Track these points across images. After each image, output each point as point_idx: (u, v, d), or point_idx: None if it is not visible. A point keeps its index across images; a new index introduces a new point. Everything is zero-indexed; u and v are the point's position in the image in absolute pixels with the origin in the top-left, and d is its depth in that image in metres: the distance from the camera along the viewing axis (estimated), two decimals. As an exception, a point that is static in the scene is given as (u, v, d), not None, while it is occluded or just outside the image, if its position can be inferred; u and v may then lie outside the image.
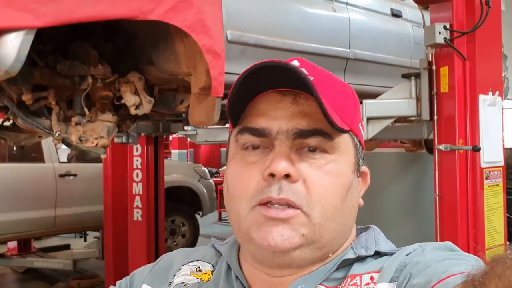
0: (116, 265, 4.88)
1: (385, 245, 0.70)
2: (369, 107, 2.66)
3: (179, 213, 6.59)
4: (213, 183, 7.24)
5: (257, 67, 0.63)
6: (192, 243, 6.63)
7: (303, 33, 2.99)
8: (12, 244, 6.39)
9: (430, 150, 4.56)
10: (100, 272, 5.46)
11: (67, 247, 7.38)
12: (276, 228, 0.63)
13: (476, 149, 2.42)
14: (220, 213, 10.71)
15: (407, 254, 0.65)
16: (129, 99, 2.54)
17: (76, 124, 2.43)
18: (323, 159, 0.65)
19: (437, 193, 2.58)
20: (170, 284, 0.76)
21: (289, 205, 0.63)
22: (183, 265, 0.79)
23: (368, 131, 2.63)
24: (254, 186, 0.65)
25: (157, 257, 4.59)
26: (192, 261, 0.79)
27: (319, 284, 0.66)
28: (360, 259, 0.68)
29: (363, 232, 0.74)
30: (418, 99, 2.70)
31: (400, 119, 3.34)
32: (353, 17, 3.33)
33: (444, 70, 2.55)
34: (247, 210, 0.65)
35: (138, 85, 2.58)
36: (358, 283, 0.64)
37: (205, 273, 0.76)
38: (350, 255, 0.68)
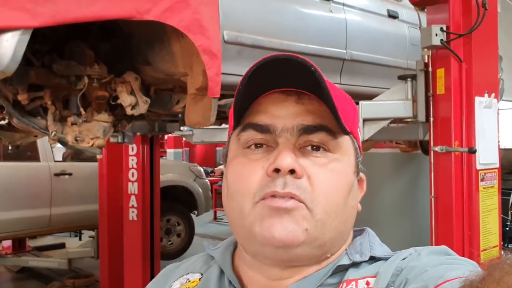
0: (111, 265, 4.86)
1: (380, 249, 0.70)
2: (365, 108, 2.66)
3: (175, 213, 6.58)
4: (209, 183, 7.23)
5: (267, 60, 0.62)
6: (187, 242, 6.62)
7: (300, 33, 2.99)
8: (7, 243, 6.37)
9: (426, 151, 4.58)
10: (95, 272, 5.44)
11: (62, 246, 7.37)
12: (280, 220, 0.62)
13: (472, 151, 2.42)
14: (215, 213, 10.70)
15: (403, 259, 0.64)
16: (125, 99, 2.53)
17: (72, 124, 2.42)
18: (326, 158, 0.66)
19: (433, 194, 2.58)
20: None
21: (294, 198, 0.63)
22: (174, 281, 0.79)
23: (364, 132, 2.64)
24: (257, 182, 0.64)
25: (152, 257, 4.62)
26: (183, 275, 0.79)
27: None
28: (355, 264, 0.67)
29: (357, 236, 0.73)
30: (414, 101, 2.70)
31: (395, 120, 3.34)
32: (350, 18, 3.33)
33: (440, 72, 2.56)
34: (251, 206, 0.64)
35: (134, 85, 2.57)
36: None
37: (193, 282, 0.76)
38: (345, 261, 0.68)
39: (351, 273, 0.66)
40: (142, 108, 2.58)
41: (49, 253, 6.77)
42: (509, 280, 0.41)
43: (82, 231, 7.04)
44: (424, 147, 4.53)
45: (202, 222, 6.82)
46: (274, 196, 0.63)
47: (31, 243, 6.83)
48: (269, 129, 0.65)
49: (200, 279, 0.75)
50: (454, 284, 0.51)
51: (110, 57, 2.63)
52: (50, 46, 2.42)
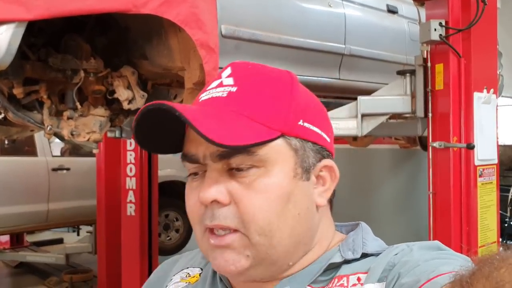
0: (109, 260, 4.85)
1: (374, 243, 0.70)
2: (364, 103, 2.65)
3: (173, 208, 6.54)
4: (207, 178, 7.18)
5: (142, 113, 0.65)
6: (185, 238, 6.60)
7: (299, 28, 2.96)
8: (5, 238, 6.36)
9: (425, 147, 4.56)
10: (93, 267, 5.42)
11: (60, 241, 7.36)
12: (222, 255, 0.64)
13: (470, 147, 2.41)
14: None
15: (395, 254, 0.65)
16: (122, 94, 2.51)
17: (68, 118, 2.40)
18: (253, 175, 0.64)
19: (431, 190, 2.57)
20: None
21: (228, 228, 0.63)
22: (174, 275, 0.81)
23: (363, 128, 2.62)
24: (197, 212, 0.66)
25: (150, 252, 4.61)
26: (182, 269, 0.81)
27: (307, 286, 0.67)
28: (347, 261, 0.68)
29: (351, 232, 0.73)
30: (413, 96, 2.69)
31: (394, 116, 3.33)
32: (349, 13, 3.30)
33: (439, 67, 2.54)
34: (201, 234, 0.67)
35: (131, 79, 2.55)
36: (345, 284, 0.65)
37: (193, 277, 0.78)
38: (337, 259, 0.68)
39: (343, 269, 0.67)
40: (139, 102, 2.56)
41: (47, 248, 6.75)
42: (498, 276, 0.41)
43: (80, 226, 7.02)
44: (423, 143, 4.51)
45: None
46: (211, 229, 0.65)
47: (29, 238, 6.83)
48: (196, 158, 0.66)
49: (200, 274, 0.77)
50: (445, 278, 0.52)
51: (107, 51, 2.61)
52: (46, 39, 2.40)
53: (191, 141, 0.67)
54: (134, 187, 4.54)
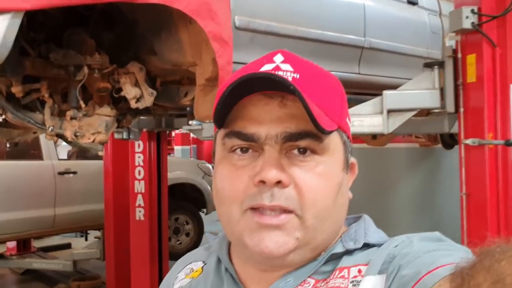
0: (117, 266, 4.74)
1: (375, 235, 0.70)
2: (390, 98, 2.46)
3: (183, 211, 6.48)
4: (217, 180, 7.07)
5: (243, 80, 0.63)
6: (196, 241, 6.50)
7: (316, 19, 2.80)
8: (12, 244, 6.25)
9: (447, 145, 4.37)
10: (102, 273, 5.31)
11: (68, 246, 7.25)
12: (270, 235, 0.64)
13: (509, 144, 2.22)
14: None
15: (395, 246, 0.65)
16: (129, 91, 2.36)
17: (71, 118, 2.24)
18: (313, 161, 0.65)
19: (464, 191, 2.39)
20: None
21: (282, 210, 0.64)
22: (178, 273, 0.81)
23: (389, 124, 2.44)
24: (244, 190, 0.65)
25: (160, 257, 4.47)
26: (186, 265, 0.81)
27: (308, 277, 0.67)
28: (349, 251, 0.68)
29: (353, 223, 0.74)
30: (442, 90, 2.50)
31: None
32: (368, 4, 3.13)
33: (471, 58, 2.35)
34: (239, 214, 0.65)
35: (139, 76, 2.40)
36: (346, 276, 0.65)
37: (196, 271, 0.78)
38: (339, 249, 0.69)
39: (344, 261, 0.67)
40: (148, 101, 2.41)
41: (55, 253, 6.65)
42: (499, 268, 0.42)
43: (88, 231, 6.90)
44: (445, 141, 4.32)
45: (211, 220, 6.71)
46: (262, 208, 0.64)
47: (36, 244, 6.71)
48: (253, 138, 0.65)
49: (202, 267, 0.78)
50: (446, 270, 0.52)
51: (113, 47, 2.46)
52: (47, 34, 2.25)
53: (251, 119, 0.65)
54: (143, 191, 4.42)
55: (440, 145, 4.55)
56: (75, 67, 2.20)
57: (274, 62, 0.68)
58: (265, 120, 0.65)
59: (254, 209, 0.64)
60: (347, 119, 0.72)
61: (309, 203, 0.64)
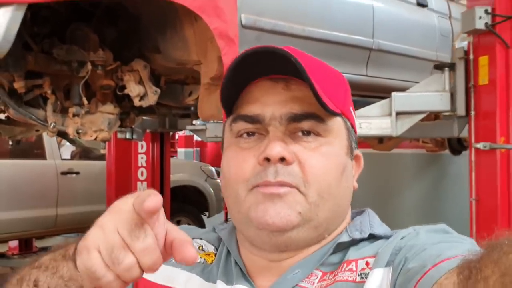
0: (119, 268, 4.69)
1: (380, 228, 0.71)
2: (399, 100, 2.42)
3: (185, 214, 6.40)
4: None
5: (251, 52, 0.64)
6: (198, 245, 6.44)
7: (324, 19, 2.76)
8: (14, 244, 6.22)
9: (454, 151, 4.31)
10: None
11: (69, 247, 7.21)
12: (274, 206, 0.65)
13: (521, 148, 2.16)
14: (226, 214, 10.49)
15: (402, 238, 0.65)
16: (133, 89, 2.32)
17: (74, 115, 2.20)
18: (316, 142, 0.67)
19: (473, 196, 2.33)
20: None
21: (289, 186, 0.65)
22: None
23: (398, 127, 2.38)
24: (250, 170, 0.67)
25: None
26: (194, 238, 0.78)
27: (315, 269, 0.68)
28: (355, 242, 0.69)
29: (358, 216, 0.75)
30: (452, 93, 2.45)
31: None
32: (377, 5, 3.08)
33: (483, 60, 2.31)
34: (245, 192, 0.67)
35: (143, 74, 2.36)
36: (354, 269, 0.65)
37: (209, 254, 0.77)
38: (345, 238, 0.69)
39: (351, 253, 0.67)
40: (151, 99, 2.36)
41: (56, 254, 6.60)
42: (507, 261, 0.41)
43: (90, 232, 6.87)
44: (453, 146, 4.25)
45: (213, 223, 6.68)
46: (267, 184, 0.65)
47: (38, 244, 6.67)
48: (259, 119, 0.67)
49: (215, 254, 0.77)
50: (452, 263, 0.52)
51: (117, 44, 2.42)
52: (50, 29, 2.21)
53: (255, 101, 0.68)
54: (145, 192, 4.37)
55: (447, 151, 4.49)
56: (79, 63, 2.17)
57: None
58: (270, 102, 0.67)
59: (259, 186, 0.66)
60: (350, 108, 0.74)
61: (312, 180, 0.66)
